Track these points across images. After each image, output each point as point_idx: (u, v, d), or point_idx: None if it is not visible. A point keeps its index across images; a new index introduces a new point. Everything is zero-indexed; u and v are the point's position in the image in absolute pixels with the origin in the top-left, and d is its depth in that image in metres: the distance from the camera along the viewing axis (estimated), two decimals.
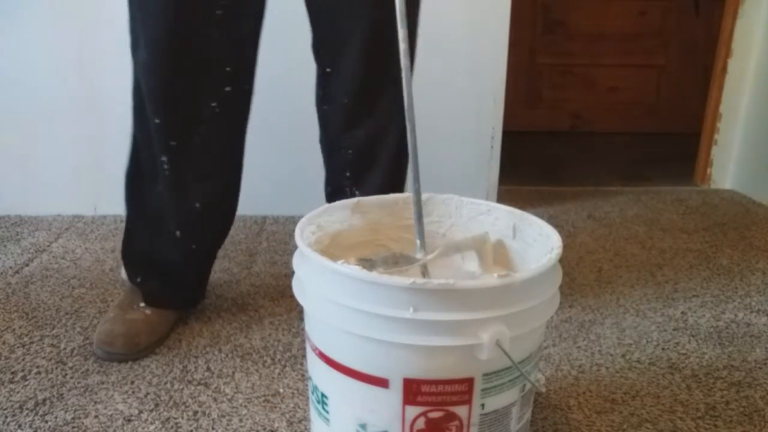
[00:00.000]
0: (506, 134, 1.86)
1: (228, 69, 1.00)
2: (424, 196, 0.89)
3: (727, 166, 2.13)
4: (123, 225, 1.14)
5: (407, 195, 0.86)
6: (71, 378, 1.00)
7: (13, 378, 1.00)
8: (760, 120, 2.01)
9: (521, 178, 2.24)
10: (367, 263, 0.73)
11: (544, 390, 0.99)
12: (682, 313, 1.26)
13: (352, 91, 1.04)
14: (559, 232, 0.74)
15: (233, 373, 1.02)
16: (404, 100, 0.72)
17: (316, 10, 1.05)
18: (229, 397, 0.96)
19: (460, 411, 0.66)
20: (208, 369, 1.03)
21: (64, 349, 1.09)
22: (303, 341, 1.12)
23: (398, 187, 1.09)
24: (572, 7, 2.93)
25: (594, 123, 3.07)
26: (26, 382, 0.99)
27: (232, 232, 1.19)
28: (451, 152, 1.77)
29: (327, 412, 0.72)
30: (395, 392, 0.65)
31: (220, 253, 1.27)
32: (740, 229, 1.74)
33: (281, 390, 0.98)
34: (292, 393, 0.98)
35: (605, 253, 1.56)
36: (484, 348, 0.62)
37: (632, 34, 2.96)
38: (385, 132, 1.06)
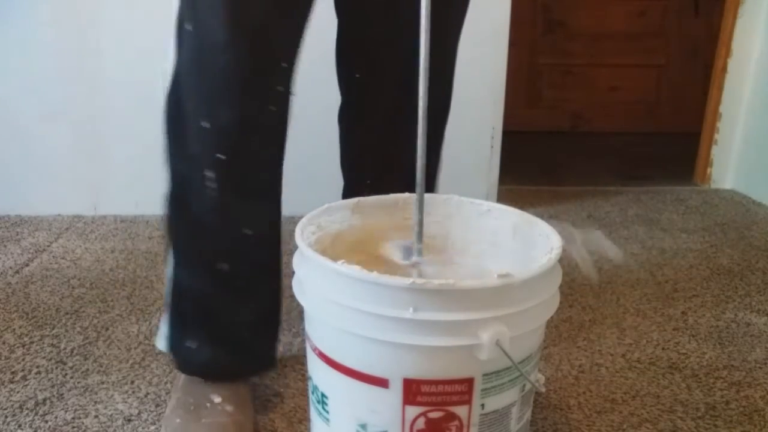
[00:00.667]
0: (506, 134, 1.86)
1: (284, 65, 0.83)
2: (425, 195, 0.89)
3: (727, 166, 2.13)
4: (124, 227, 1.14)
5: (407, 195, 0.86)
6: (71, 378, 1.00)
7: (13, 378, 1.00)
8: (760, 120, 2.01)
9: (521, 178, 2.24)
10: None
11: (544, 390, 0.99)
12: (682, 313, 1.26)
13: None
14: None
15: None
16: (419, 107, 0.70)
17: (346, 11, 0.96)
18: None
19: (460, 411, 0.66)
20: None
21: (64, 349, 1.09)
22: (303, 341, 1.12)
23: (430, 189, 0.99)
24: (572, 7, 2.93)
25: (594, 123, 3.07)
26: (26, 382, 0.99)
27: None
28: (451, 152, 1.76)
29: (327, 412, 0.72)
30: (395, 392, 0.65)
31: None
32: (740, 229, 1.74)
33: (281, 390, 0.98)
34: (292, 393, 0.98)
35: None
36: (484, 348, 0.62)
37: (632, 34, 2.96)
38: (409, 141, 0.96)
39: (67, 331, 1.14)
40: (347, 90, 1.02)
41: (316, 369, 0.73)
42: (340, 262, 0.65)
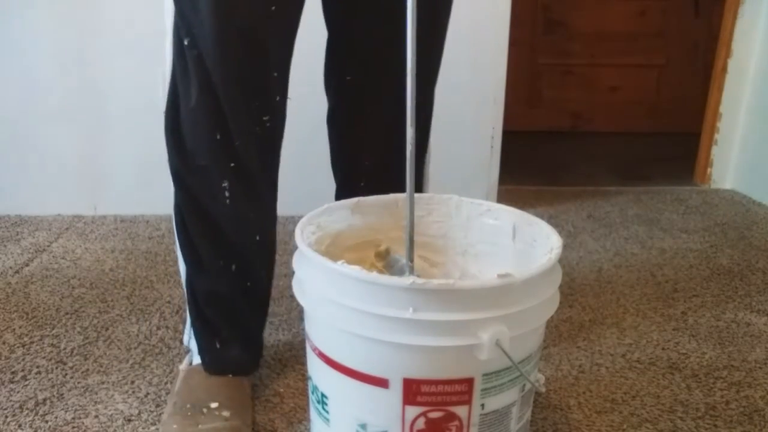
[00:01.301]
0: (506, 134, 1.86)
1: (275, 74, 0.85)
2: (425, 195, 0.89)
3: (727, 166, 2.13)
4: (124, 227, 1.14)
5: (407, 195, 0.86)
6: (71, 378, 1.00)
7: (13, 378, 1.00)
8: (760, 120, 2.01)
9: (521, 178, 2.24)
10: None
11: (544, 390, 0.99)
12: (682, 313, 1.26)
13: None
14: (559, 232, 0.74)
15: None
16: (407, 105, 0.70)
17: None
18: None
19: (460, 411, 0.66)
20: None
21: (64, 349, 1.09)
22: (303, 341, 1.12)
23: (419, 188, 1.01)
24: (572, 7, 2.92)
25: (594, 123, 3.07)
26: (26, 382, 0.99)
27: None
28: (451, 152, 1.77)
29: (327, 412, 0.72)
30: (395, 392, 0.65)
31: None
32: (740, 229, 1.74)
33: (281, 390, 0.98)
34: (292, 393, 0.98)
35: (605, 253, 1.56)
36: (484, 348, 0.62)
37: (632, 34, 2.96)
38: (401, 143, 0.97)
39: (67, 331, 1.14)
40: (337, 95, 1.02)
41: (316, 369, 0.73)
42: (340, 262, 0.65)
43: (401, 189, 0.87)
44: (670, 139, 2.83)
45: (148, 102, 1.69)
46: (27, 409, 0.92)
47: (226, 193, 0.85)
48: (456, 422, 0.66)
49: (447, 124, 1.76)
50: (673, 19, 2.94)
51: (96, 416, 0.91)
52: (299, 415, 0.93)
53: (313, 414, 0.76)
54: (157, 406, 0.94)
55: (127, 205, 1.76)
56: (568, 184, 2.19)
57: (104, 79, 1.68)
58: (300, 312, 1.19)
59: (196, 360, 0.94)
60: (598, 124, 3.07)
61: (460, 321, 0.62)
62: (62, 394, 0.96)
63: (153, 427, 0.89)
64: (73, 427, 0.89)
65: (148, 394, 0.97)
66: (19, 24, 1.63)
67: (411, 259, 0.74)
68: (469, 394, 0.65)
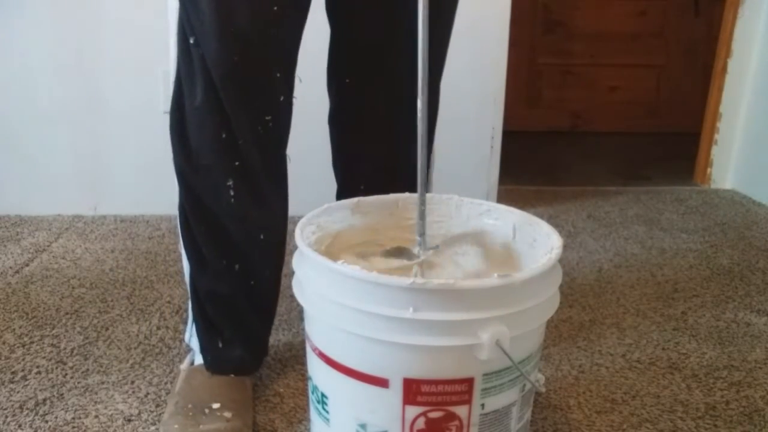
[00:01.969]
0: (506, 134, 1.86)
1: (278, 75, 0.85)
2: (426, 195, 0.89)
3: (727, 166, 2.13)
4: (124, 227, 1.14)
5: (407, 195, 0.86)
6: (71, 378, 1.00)
7: (13, 378, 1.00)
8: (760, 120, 2.01)
9: (521, 178, 2.24)
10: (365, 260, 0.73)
11: (544, 390, 0.99)
12: (682, 313, 1.26)
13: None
14: (559, 232, 0.74)
15: None
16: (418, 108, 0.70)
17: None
18: None
19: (460, 411, 0.66)
20: None
21: (64, 349, 1.09)
22: (303, 341, 1.12)
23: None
24: (572, 7, 2.92)
25: (594, 123, 3.07)
26: (26, 382, 0.99)
27: None
28: (451, 152, 1.76)
29: (327, 412, 0.72)
30: (395, 392, 0.65)
31: None
32: (740, 229, 1.74)
33: (281, 390, 0.98)
34: (292, 393, 0.98)
35: (605, 253, 1.56)
36: (484, 348, 0.62)
37: (632, 34, 2.96)
38: (403, 145, 0.94)
39: (67, 331, 1.14)
40: (339, 95, 1.02)
41: (316, 369, 0.73)
42: (340, 262, 0.65)
43: (402, 190, 0.87)
44: (670, 139, 2.83)
45: (148, 102, 1.69)
46: (27, 409, 0.92)
47: (231, 192, 0.85)
48: (456, 422, 0.66)
49: (447, 123, 1.76)
50: (673, 19, 2.95)
51: (96, 416, 0.91)
52: (299, 415, 0.93)
53: (313, 414, 0.76)
54: (157, 406, 0.94)
55: (127, 205, 1.76)
56: (568, 184, 2.19)
57: (104, 79, 1.68)
58: (300, 312, 1.19)
59: (198, 359, 0.95)
60: (598, 124, 3.07)
61: (460, 321, 0.62)
62: (62, 394, 0.96)
63: (153, 427, 0.89)
64: (73, 427, 0.89)
65: (148, 394, 0.97)
66: (19, 24, 1.63)
67: (422, 233, 0.74)
68: (469, 394, 0.65)
